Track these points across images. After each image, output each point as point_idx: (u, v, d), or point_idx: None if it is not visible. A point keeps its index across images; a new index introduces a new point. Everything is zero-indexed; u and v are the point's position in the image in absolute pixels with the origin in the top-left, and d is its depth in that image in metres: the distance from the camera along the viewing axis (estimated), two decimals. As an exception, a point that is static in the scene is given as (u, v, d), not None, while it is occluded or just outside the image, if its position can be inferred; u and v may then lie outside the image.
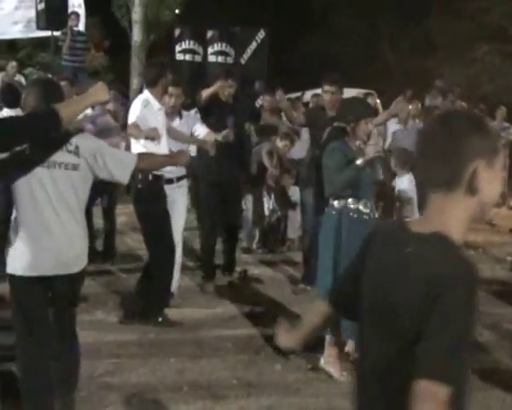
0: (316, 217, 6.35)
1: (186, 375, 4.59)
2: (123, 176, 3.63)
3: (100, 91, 3.42)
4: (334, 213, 4.57)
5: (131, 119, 5.37)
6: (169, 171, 5.59)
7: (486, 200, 1.73)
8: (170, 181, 5.78)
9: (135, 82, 13.13)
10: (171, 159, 4.50)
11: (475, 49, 18.28)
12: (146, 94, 5.50)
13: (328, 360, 4.62)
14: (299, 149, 8.12)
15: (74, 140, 3.48)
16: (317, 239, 6.32)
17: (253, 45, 11.40)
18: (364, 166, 4.48)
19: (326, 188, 4.61)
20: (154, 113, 5.43)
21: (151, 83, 5.49)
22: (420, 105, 12.02)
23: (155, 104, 5.49)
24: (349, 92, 13.57)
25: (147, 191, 5.39)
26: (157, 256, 5.47)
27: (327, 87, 6.14)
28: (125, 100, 10.18)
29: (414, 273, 1.68)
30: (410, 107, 11.30)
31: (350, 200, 4.54)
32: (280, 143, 8.08)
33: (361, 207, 4.54)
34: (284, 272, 7.30)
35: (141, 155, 3.94)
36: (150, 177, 5.34)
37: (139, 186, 5.34)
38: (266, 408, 4.18)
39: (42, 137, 3.30)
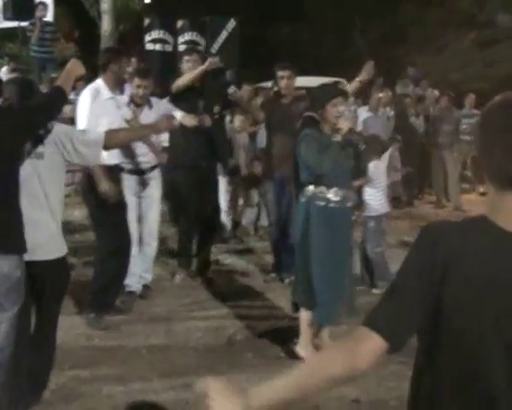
0: (279, 206, 6.47)
1: (157, 366, 4.60)
2: (94, 155, 3.68)
3: (76, 66, 3.73)
4: (303, 200, 4.56)
5: (81, 116, 5.18)
6: (141, 161, 5.55)
7: None
8: (142, 172, 5.74)
9: (105, 72, 13.00)
10: (152, 127, 4.50)
11: (445, 37, 18.40)
12: (97, 82, 5.40)
13: (302, 344, 4.65)
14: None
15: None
16: (285, 228, 6.42)
17: (224, 34, 11.37)
18: (344, 143, 4.48)
19: (312, 171, 4.52)
20: (102, 103, 5.25)
21: (101, 68, 5.43)
22: (390, 93, 12.10)
23: (105, 93, 5.33)
24: (320, 81, 13.68)
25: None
26: (111, 254, 5.21)
27: (280, 72, 6.32)
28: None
29: None
30: (381, 94, 11.38)
31: (320, 188, 4.49)
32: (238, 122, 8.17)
33: (330, 196, 4.50)
34: (255, 261, 7.32)
35: (109, 131, 3.96)
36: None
37: (86, 180, 5.15)
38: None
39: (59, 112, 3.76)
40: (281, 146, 6.21)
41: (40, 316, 3.71)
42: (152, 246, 5.86)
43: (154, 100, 5.94)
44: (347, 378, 1.62)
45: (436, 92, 12.69)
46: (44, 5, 11.78)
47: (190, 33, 11.14)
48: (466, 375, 1.64)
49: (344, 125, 4.46)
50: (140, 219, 5.78)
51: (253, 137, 8.50)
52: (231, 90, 9.06)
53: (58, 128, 3.63)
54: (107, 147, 3.84)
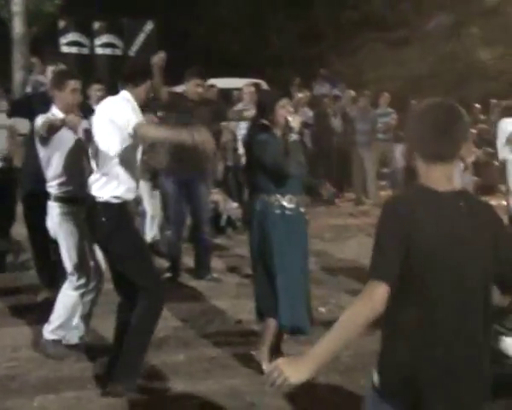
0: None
1: (88, 371, 4.53)
2: None
3: None
4: (258, 209, 4.51)
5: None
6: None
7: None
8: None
9: (17, 76, 12.65)
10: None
11: (359, 38, 18.86)
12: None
13: (261, 350, 4.64)
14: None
15: None
16: (196, 228, 6.77)
17: (142, 37, 11.32)
18: (299, 142, 4.54)
19: (273, 177, 4.44)
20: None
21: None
22: (309, 93, 12.33)
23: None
24: (238, 82, 13.78)
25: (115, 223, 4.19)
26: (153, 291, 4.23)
27: (189, 78, 6.67)
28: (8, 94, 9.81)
29: (481, 218, 2.28)
30: (300, 95, 11.58)
31: (275, 196, 4.46)
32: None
33: (285, 203, 4.47)
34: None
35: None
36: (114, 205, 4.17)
37: (103, 220, 4.14)
38: (171, 399, 4.20)
39: None
40: (180, 148, 5.81)
41: None
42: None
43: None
44: (371, 320, 2.17)
45: (352, 92, 12.99)
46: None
47: (107, 35, 11.02)
48: (424, 317, 2.21)
49: (295, 122, 4.48)
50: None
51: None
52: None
53: None
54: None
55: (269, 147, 4.41)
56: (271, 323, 4.58)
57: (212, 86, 11.33)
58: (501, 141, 6.96)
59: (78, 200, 4.63)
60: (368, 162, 11.68)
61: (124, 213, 4.21)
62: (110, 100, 4.27)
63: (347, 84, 14.90)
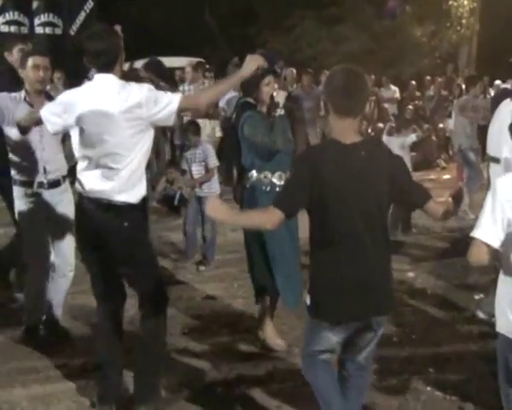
0: None
1: (56, 364, 4.53)
2: None
3: None
4: (248, 186, 4.54)
5: None
6: (49, 170, 4.68)
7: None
8: (57, 183, 4.74)
9: None
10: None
11: (294, 16, 18.98)
12: None
13: (265, 331, 4.71)
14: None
15: None
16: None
17: (82, 15, 11.06)
18: (285, 115, 4.55)
19: (260, 153, 4.47)
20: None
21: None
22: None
23: None
24: (179, 61, 13.70)
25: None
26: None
27: None
28: None
29: (379, 160, 2.92)
30: (245, 73, 11.60)
31: (264, 172, 4.47)
32: None
33: (275, 180, 4.48)
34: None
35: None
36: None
37: (125, 224, 3.60)
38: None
39: None
40: None
41: None
42: (67, 277, 4.87)
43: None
44: (258, 228, 3.57)
45: (294, 70, 13.11)
46: None
47: (47, 14, 10.75)
48: (338, 236, 2.90)
49: (280, 97, 4.51)
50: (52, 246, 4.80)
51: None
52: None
53: None
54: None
55: (255, 124, 4.44)
56: (268, 301, 4.65)
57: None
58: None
59: (33, 184, 4.60)
60: (312, 138, 11.86)
61: (146, 216, 4.00)
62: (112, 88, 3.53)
63: (285, 62, 15.02)
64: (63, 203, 4.72)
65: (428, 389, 4.03)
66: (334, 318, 3.00)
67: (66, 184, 4.80)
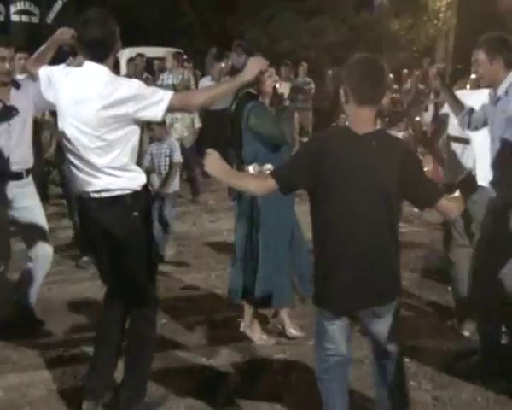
0: None
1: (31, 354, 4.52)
2: None
3: None
4: None
5: None
6: (14, 161, 4.55)
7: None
8: (15, 176, 4.63)
9: None
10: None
11: (272, 7, 18.95)
12: None
13: (249, 325, 4.71)
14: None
15: None
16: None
17: (59, 4, 10.95)
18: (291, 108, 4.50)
19: (267, 144, 4.37)
20: None
21: None
22: (230, 63, 12.36)
23: None
24: (156, 51, 13.65)
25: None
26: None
27: None
28: None
29: (390, 151, 2.87)
30: (223, 64, 11.60)
31: (267, 166, 4.34)
32: None
33: None
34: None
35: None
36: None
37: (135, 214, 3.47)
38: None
39: None
40: None
41: None
42: (43, 267, 4.79)
43: (20, 79, 4.70)
44: (247, 192, 3.44)
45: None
46: None
47: (23, 2, 10.63)
48: (337, 223, 2.87)
49: (284, 88, 4.43)
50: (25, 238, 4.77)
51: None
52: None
53: None
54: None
55: (262, 115, 4.35)
56: (252, 300, 4.61)
57: (141, 55, 11.20)
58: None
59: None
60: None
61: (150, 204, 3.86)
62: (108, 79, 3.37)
63: (263, 54, 15.01)
64: (25, 195, 4.63)
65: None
66: (330, 305, 2.99)
67: (29, 179, 4.69)
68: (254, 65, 3.45)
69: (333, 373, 3.10)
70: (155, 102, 3.31)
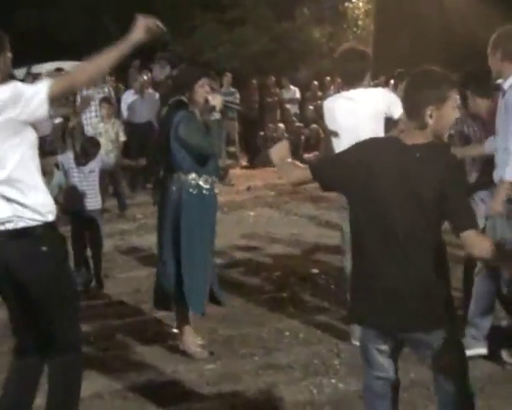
0: None
1: None
2: None
3: None
4: (174, 188, 4.42)
5: None
6: None
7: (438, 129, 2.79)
8: None
9: None
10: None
11: (195, 18, 18.96)
12: None
13: (183, 340, 4.62)
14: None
15: None
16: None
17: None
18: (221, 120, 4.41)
19: (194, 154, 4.33)
20: None
21: None
22: (150, 75, 12.32)
23: None
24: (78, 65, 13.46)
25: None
26: None
27: None
28: None
29: (432, 166, 2.69)
30: (146, 77, 11.54)
31: (191, 175, 4.38)
32: None
33: (201, 183, 4.40)
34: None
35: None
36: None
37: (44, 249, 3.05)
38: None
39: None
40: None
41: None
42: None
43: None
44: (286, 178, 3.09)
45: (229, 75, 13.24)
46: None
47: None
48: (372, 236, 2.75)
49: (216, 101, 4.38)
50: None
51: None
52: None
53: None
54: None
55: (192, 124, 4.31)
56: (184, 307, 4.54)
57: (60, 70, 10.99)
58: None
59: None
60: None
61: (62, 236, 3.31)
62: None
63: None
64: None
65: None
66: (358, 318, 2.94)
67: None
68: (142, 23, 3.20)
69: (378, 392, 2.93)
70: (31, 96, 2.96)
